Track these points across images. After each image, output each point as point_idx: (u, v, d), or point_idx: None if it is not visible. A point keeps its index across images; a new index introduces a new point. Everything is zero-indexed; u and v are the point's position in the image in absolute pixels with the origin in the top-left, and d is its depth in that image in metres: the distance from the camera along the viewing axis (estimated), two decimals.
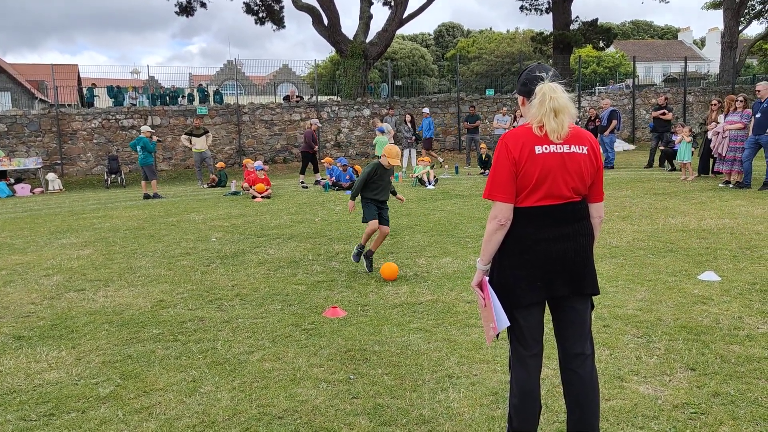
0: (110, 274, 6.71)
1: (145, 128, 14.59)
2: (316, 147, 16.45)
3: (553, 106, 2.53)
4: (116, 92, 24.36)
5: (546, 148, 2.55)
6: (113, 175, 18.10)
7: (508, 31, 70.10)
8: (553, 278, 2.61)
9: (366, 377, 3.77)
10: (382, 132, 16.75)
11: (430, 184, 13.82)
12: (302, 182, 15.20)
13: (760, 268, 5.83)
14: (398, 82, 29.97)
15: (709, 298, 5.00)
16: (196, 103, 23.69)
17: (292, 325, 4.80)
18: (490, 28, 76.10)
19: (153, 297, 5.74)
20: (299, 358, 4.13)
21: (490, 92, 24.22)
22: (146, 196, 13.63)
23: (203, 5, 28.27)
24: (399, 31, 27.59)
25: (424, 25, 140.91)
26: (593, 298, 2.78)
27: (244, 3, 29.25)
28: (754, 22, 39.12)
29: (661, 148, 15.44)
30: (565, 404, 2.76)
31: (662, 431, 3.00)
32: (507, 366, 2.91)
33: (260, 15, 29.78)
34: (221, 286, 6.03)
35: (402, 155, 18.06)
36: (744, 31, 40.63)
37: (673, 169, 14.61)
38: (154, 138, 14.45)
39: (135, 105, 23.83)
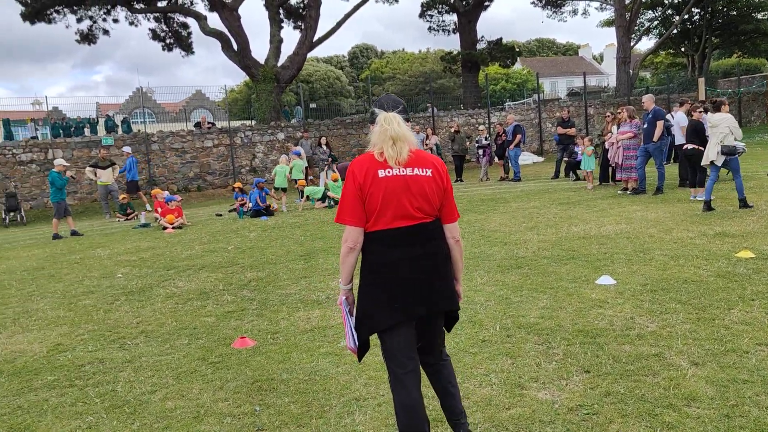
0: (3, 319, 6.29)
1: (58, 161, 13.55)
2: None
3: (390, 135, 2.73)
4: (7, 125, 22.72)
5: (389, 172, 2.72)
6: (12, 213, 17.03)
7: (419, 51, 71.91)
8: (409, 299, 2.73)
9: (272, 407, 3.70)
10: (299, 155, 16.69)
11: None
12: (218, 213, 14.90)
13: (651, 269, 6.20)
14: (313, 105, 29.99)
15: (605, 301, 5.25)
16: (101, 132, 22.73)
17: (199, 359, 4.66)
18: (403, 49, 77.78)
19: (50, 341, 5.42)
20: (204, 393, 4.00)
21: None
22: (55, 236, 12.67)
23: (106, 33, 27.37)
24: (313, 54, 27.74)
25: (339, 47, 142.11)
26: (458, 312, 2.99)
27: (150, 30, 28.57)
28: (644, 38, 42.03)
29: (566, 159, 16.20)
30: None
31: None
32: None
33: (167, 41, 29.15)
34: (125, 324, 5.78)
35: (319, 177, 18.04)
36: (638, 47, 43.52)
37: (578, 179, 15.35)
38: (68, 173, 13.55)
39: (35, 138, 22.59)
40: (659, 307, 4.97)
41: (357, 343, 2.83)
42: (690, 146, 10.27)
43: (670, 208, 9.95)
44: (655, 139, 11.36)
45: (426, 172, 2.76)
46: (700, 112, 10.43)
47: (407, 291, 2.72)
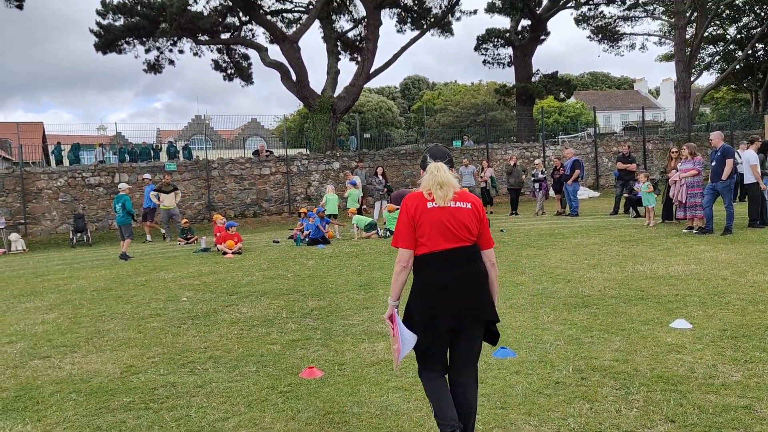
0: (77, 339, 6.50)
1: (123, 186, 14.19)
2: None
3: (438, 180, 3.31)
4: (75, 150, 23.73)
5: (435, 204, 3.30)
6: (79, 234, 17.73)
7: (472, 83, 72.13)
8: (456, 310, 3.22)
9: None
10: (354, 185, 16.87)
11: None
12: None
13: (729, 314, 5.95)
14: (367, 135, 30.38)
15: (682, 346, 5.06)
16: (163, 158, 23.58)
17: (269, 387, 4.69)
18: (455, 81, 78.21)
19: (122, 362, 5.56)
20: (277, 423, 4.02)
21: (457, 143, 24.73)
22: (123, 256, 13.24)
23: (171, 62, 28.55)
24: (366, 85, 28.18)
25: (391, 78, 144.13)
26: (497, 324, 3.44)
27: (212, 60, 29.69)
28: (705, 73, 41.10)
29: (626, 195, 15.85)
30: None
31: None
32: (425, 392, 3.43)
33: (228, 72, 30.18)
34: (193, 349, 5.88)
35: (374, 207, 18.16)
36: (698, 82, 42.59)
37: (638, 215, 14.98)
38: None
39: (103, 162, 23.62)
40: (743, 355, 4.75)
41: (406, 351, 3.28)
42: None
43: (741, 249, 9.58)
44: (724, 177, 11.02)
45: (466, 205, 3.33)
46: None
47: (455, 302, 3.21)
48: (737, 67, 35.92)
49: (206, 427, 4.01)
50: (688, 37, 30.98)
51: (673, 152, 13.73)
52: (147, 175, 17.96)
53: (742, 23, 36.51)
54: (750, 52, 36.27)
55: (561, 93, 31.65)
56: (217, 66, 30.06)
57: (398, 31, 30.48)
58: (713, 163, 11.30)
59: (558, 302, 6.82)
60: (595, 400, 4.07)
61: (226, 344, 5.97)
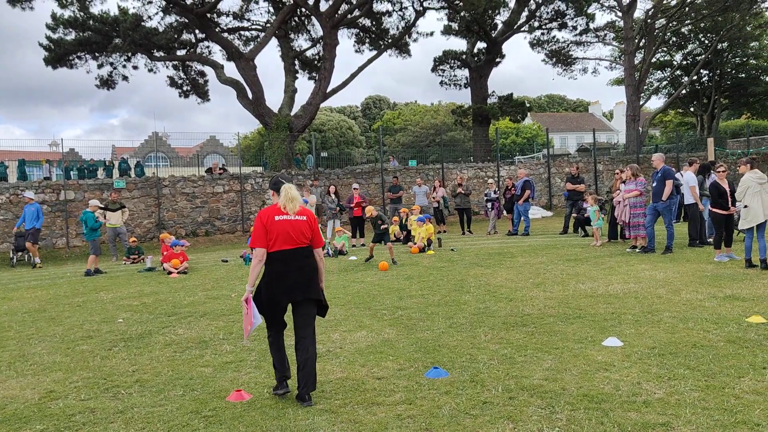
0: None
1: (93, 203, 14.13)
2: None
3: (289, 196, 4.66)
4: (22, 165, 22.92)
5: (281, 217, 4.62)
6: (20, 253, 17.07)
7: (431, 104, 73.01)
8: (292, 291, 4.60)
9: None
10: (307, 203, 16.74)
11: (344, 253, 13.78)
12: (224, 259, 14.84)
13: (659, 332, 6.05)
14: (324, 154, 30.35)
15: (611, 364, 5.11)
16: (116, 175, 23.04)
17: (192, 412, 4.54)
18: (415, 101, 79.03)
19: (43, 387, 5.32)
20: None
21: (412, 163, 24.86)
22: (88, 272, 13.06)
23: (125, 78, 28.05)
24: (327, 104, 28.22)
25: (352, 98, 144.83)
26: (326, 303, 4.90)
27: (168, 77, 29.31)
28: (653, 97, 42.56)
29: (574, 215, 16.16)
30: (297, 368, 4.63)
31: None
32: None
33: (184, 88, 29.83)
34: (121, 372, 5.67)
35: (326, 226, 18.04)
36: (648, 105, 44.01)
37: (586, 235, 15.27)
38: (99, 218, 13.94)
39: (49, 178, 22.92)
40: (667, 372, 4.83)
41: (255, 326, 4.64)
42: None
43: (679, 267, 9.82)
44: (664, 198, 11.32)
45: (303, 218, 4.67)
46: (723, 171, 10.39)
47: (291, 285, 4.57)
48: (683, 92, 37.28)
49: None
50: (637, 62, 32.04)
51: (617, 173, 14.07)
52: (29, 194, 16.45)
53: (687, 50, 37.99)
54: (695, 78, 37.73)
55: (516, 114, 32.29)
56: (172, 83, 29.70)
57: (356, 51, 30.72)
58: (654, 184, 11.61)
59: (497, 321, 6.84)
60: (520, 420, 4.06)
61: (156, 367, 5.78)
